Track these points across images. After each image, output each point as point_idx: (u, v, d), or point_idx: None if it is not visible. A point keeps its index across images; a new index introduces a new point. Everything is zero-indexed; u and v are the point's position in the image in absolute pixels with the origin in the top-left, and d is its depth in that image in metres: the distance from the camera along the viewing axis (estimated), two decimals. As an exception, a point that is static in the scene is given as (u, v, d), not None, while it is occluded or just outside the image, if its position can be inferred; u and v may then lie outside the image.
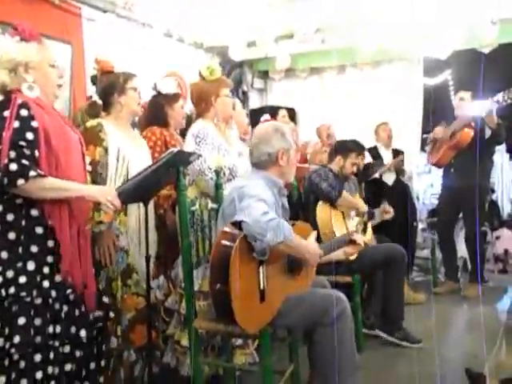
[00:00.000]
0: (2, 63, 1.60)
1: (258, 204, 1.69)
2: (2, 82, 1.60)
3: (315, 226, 2.77)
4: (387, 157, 4.20)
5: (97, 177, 2.06)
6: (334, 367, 1.77)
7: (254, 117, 3.90)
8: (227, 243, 1.68)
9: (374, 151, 4.20)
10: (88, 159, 1.98)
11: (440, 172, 4.23)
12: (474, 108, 3.76)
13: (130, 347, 2.14)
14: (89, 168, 1.98)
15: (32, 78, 1.63)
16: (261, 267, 1.72)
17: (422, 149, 4.23)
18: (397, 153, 4.22)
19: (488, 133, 3.67)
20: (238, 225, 1.69)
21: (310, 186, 2.95)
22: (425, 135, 4.21)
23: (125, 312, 2.11)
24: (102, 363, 1.77)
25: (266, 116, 3.62)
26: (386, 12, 3.91)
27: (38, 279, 1.56)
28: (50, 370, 1.55)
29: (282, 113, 4.29)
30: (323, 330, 1.77)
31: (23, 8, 2.97)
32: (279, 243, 1.65)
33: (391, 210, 3.06)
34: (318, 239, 2.67)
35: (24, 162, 1.49)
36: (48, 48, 1.72)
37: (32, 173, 1.49)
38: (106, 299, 1.83)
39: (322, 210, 2.81)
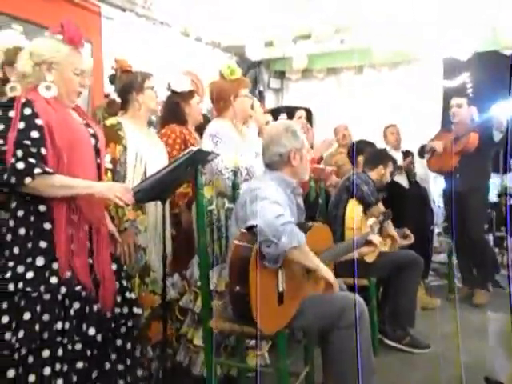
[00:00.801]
0: (32, 55, 1.62)
1: (271, 206, 1.65)
2: (24, 72, 1.62)
3: (339, 224, 2.77)
4: (397, 159, 4.14)
5: (115, 175, 2.06)
6: (349, 371, 1.75)
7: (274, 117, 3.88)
8: (246, 245, 1.66)
9: None
10: (109, 157, 1.99)
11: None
12: (473, 112, 3.73)
13: (147, 344, 2.15)
14: (110, 166, 1.98)
15: (52, 77, 1.63)
16: (279, 270, 1.70)
17: (421, 156, 4.15)
18: (407, 154, 4.17)
19: (498, 136, 3.59)
20: (251, 229, 1.66)
21: (348, 185, 2.92)
22: (421, 142, 4.15)
23: (142, 309, 2.12)
24: (119, 365, 1.72)
25: (283, 116, 3.61)
26: (405, 13, 3.87)
27: (47, 275, 1.56)
28: (58, 366, 1.54)
29: (299, 114, 4.27)
30: (340, 333, 1.75)
31: (45, 6, 3.01)
32: (293, 248, 1.61)
33: (411, 235, 3.04)
34: (341, 237, 2.67)
35: (30, 160, 1.50)
36: (80, 56, 1.71)
37: (37, 170, 1.49)
38: (131, 295, 1.79)
39: (352, 210, 2.78)
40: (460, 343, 2.40)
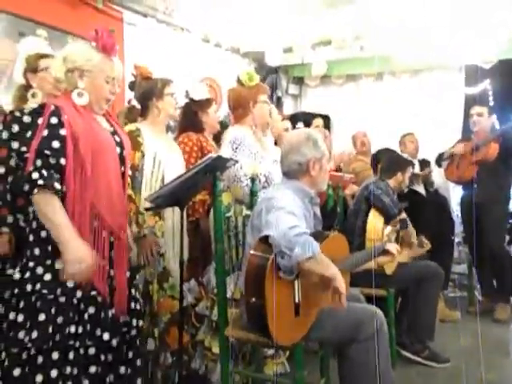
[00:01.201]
0: (65, 60, 1.65)
1: (286, 217, 1.63)
2: (57, 77, 1.66)
3: (358, 234, 2.73)
4: (414, 168, 4.08)
5: (134, 181, 2.08)
6: (367, 385, 1.71)
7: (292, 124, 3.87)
8: (262, 255, 1.64)
9: None
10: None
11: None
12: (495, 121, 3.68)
13: (167, 350, 2.14)
14: (129, 172, 1.99)
15: (83, 84, 1.66)
16: (296, 281, 1.68)
17: (438, 164, 4.09)
18: (424, 163, 4.10)
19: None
20: (266, 239, 1.64)
21: (367, 194, 2.86)
22: (441, 151, 4.08)
23: (161, 315, 2.13)
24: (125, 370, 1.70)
25: (300, 124, 3.59)
26: (427, 20, 3.82)
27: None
28: (68, 369, 1.55)
29: (316, 122, 4.24)
30: (358, 346, 1.71)
31: (69, 12, 3.07)
32: (307, 259, 1.57)
33: (427, 242, 2.98)
34: (362, 247, 2.63)
35: (43, 171, 1.50)
36: (113, 65, 1.72)
37: (41, 182, 1.48)
38: (137, 306, 1.79)
39: (373, 220, 2.73)
40: (482, 359, 2.34)
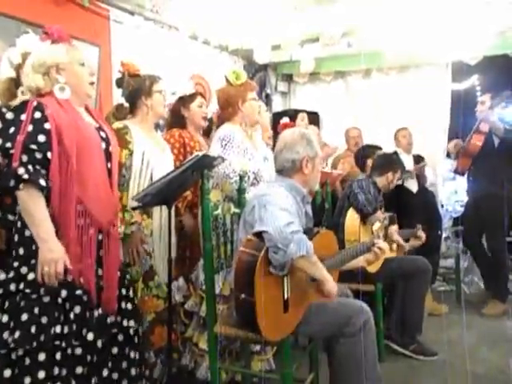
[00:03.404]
0: (35, 68, 1.64)
1: (280, 214, 1.65)
2: (37, 85, 1.64)
3: (341, 230, 2.74)
4: (408, 163, 4.11)
5: (121, 179, 2.07)
6: (355, 379, 1.74)
7: (278, 120, 3.88)
8: (252, 252, 1.65)
9: None
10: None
11: (465, 178, 4.14)
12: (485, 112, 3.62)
13: (150, 349, 2.14)
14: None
15: (64, 78, 1.66)
16: (285, 277, 1.69)
17: (448, 155, 4.17)
18: (418, 159, 4.14)
19: (496, 141, 3.60)
20: (259, 235, 1.65)
21: (349, 192, 2.91)
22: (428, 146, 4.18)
23: (145, 314, 2.12)
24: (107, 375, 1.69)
25: (286, 119, 3.60)
26: (413, 16, 3.84)
27: None
28: (56, 370, 1.54)
29: (302, 116, 4.26)
30: (345, 341, 1.74)
31: (54, 10, 3.03)
32: (301, 257, 1.60)
33: (423, 235, 3.00)
34: (343, 245, 2.65)
35: (29, 167, 1.50)
36: (77, 48, 1.75)
37: (25, 176, 1.48)
38: (128, 305, 1.78)
39: (351, 218, 2.77)
40: (470, 352, 2.38)
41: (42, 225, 1.52)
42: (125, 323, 1.75)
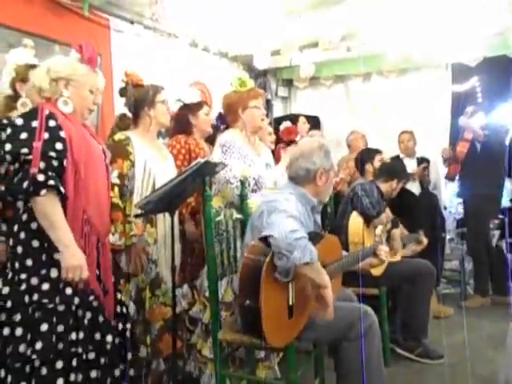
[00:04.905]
0: (49, 71, 1.69)
1: (287, 220, 1.64)
2: (41, 86, 1.68)
3: (345, 234, 2.74)
4: (411, 166, 4.11)
5: (123, 190, 2.08)
6: (360, 382, 1.72)
7: (278, 125, 3.88)
8: (257, 258, 1.64)
9: None
10: (116, 172, 2.02)
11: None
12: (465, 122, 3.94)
13: (159, 356, 2.14)
14: (117, 181, 2.01)
15: (68, 93, 1.70)
16: (290, 284, 1.69)
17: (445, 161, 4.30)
18: (422, 161, 4.13)
19: (479, 147, 3.84)
20: (265, 240, 1.65)
21: (352, 195, 2.91)
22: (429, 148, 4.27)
23: (153, 322, 2.12)
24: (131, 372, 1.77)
25: (287, 123, 3.61)
26: (412, 18, 3.85)
27: (61, 286, 1.58)
28: (72, 377, 1.56)
29: (303, 119, 4.27)
30: (350, 345, 1.74)
31: (55, 20, 3.05)
32: (305, 264, 1.58)
33: (425, 240, 3.02)
34: (346, 248, 2.64)
35: (50, 173, 1.54)
36: (96, 75, 1.80)
37: (51, 182, 1.52)
38: (123, 309, 1.82)
39: (354, 222, 2.77)
40: (475, 354, 2.36)
41: (64, 230, 1.55)
42: (120, 326, 1.78)
